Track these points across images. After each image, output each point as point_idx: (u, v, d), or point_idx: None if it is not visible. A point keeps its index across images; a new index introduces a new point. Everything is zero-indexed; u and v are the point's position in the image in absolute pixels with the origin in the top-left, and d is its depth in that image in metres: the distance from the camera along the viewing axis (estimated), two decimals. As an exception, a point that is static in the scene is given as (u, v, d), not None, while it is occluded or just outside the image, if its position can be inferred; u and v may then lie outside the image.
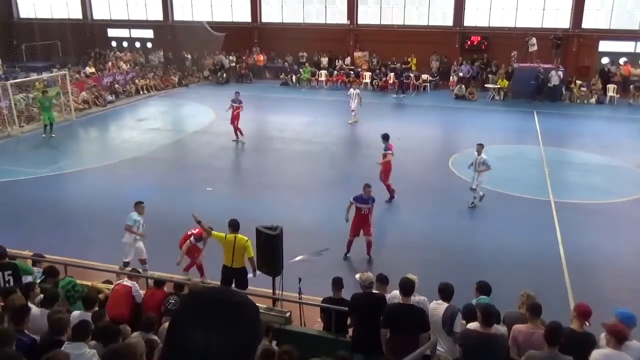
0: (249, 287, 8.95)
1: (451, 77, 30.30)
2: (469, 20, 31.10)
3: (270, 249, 8.44)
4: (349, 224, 11.23)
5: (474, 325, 5.92)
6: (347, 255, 11.32)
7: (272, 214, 11.82)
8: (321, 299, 7.81)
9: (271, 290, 8.61)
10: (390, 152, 14.16)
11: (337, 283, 7.67)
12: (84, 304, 6.68)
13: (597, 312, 5.93)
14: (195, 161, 18.39)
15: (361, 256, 11.38)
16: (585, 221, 13.15)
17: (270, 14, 34.42)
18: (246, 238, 9.11)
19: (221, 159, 18.88)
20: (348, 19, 32.65)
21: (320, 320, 7.91)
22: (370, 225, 11.22)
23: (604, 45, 28.78)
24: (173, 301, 7.45)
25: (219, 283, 9.44)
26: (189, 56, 34.09)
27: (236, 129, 19.69)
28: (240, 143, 19.77)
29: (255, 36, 34.39)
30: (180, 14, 35.87)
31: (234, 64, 33.81)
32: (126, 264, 10.18)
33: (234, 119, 19.62)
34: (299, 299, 8.31)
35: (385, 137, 14.50)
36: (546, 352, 5.27)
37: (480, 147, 13.50)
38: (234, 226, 9.24)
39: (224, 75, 32.72)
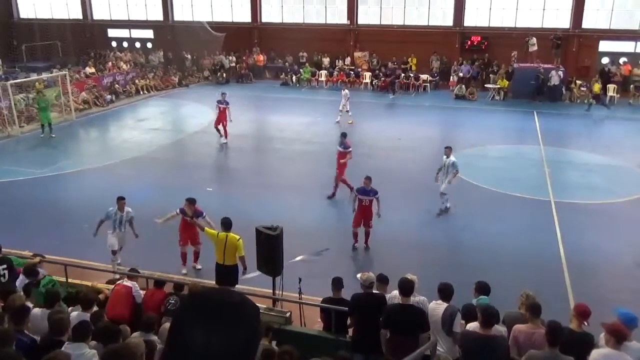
0: (249, 287, 8.96)
1: (451, 77, 30.32)
2: (469, 20, 31.11)
3: (270, 249, 8.43)
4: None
5: (473, 325, 5.92)
6: (356, 245, 11.60)
7: (272, 214, 11.84)
8: (321, 299, 7.81)
9: (271, 290, 8.62)
10: (350, 149, 14.49)
11: (337, 283, 7.68)
12: (64, 302, 6.72)
13: (597, 312, 5.93)
14: (196, 161, 18.39)
15: (361, 256, 11.40)
16: (586, 221, 13.13)
17: (270, 14, 34.41)
18: (238, 237, 9.18)
19: (221, 159, 18.88)
20: (348, 19, 32.66)
21: (320, 320, 7.91)
22: (372, 218, 11.47)
23: (604, 45, 28.80)
24: (173, 301, 7.45)
25: (210, 281, 9.49)
26: (189, 56, 34.11)
27: (224, 129, 19.48)
28: (222, 144, 19.60)
29: (255, 36, 34.40)
30: (181, 14, 35.87)
31: (234, 64, 33.81)
32: (113, 253, 10.50)
33: (220, 120, 19.40)
34: (299, 299, 8.32)
35: (344, 135, 14.98)
36: (547, 352, 5.27)
37: (449, 150, 13.24)
38: (226, 225, 9.32)
39: (224, 75, 32.73)
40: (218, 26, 32.75)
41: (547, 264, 10.86)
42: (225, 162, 18.92)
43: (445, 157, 13.24)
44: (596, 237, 12.10)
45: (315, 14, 33.51)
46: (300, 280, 8.36)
